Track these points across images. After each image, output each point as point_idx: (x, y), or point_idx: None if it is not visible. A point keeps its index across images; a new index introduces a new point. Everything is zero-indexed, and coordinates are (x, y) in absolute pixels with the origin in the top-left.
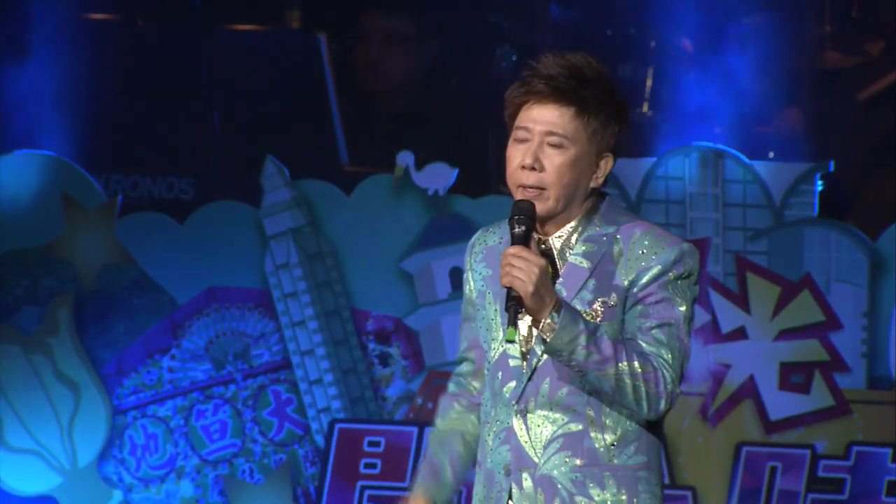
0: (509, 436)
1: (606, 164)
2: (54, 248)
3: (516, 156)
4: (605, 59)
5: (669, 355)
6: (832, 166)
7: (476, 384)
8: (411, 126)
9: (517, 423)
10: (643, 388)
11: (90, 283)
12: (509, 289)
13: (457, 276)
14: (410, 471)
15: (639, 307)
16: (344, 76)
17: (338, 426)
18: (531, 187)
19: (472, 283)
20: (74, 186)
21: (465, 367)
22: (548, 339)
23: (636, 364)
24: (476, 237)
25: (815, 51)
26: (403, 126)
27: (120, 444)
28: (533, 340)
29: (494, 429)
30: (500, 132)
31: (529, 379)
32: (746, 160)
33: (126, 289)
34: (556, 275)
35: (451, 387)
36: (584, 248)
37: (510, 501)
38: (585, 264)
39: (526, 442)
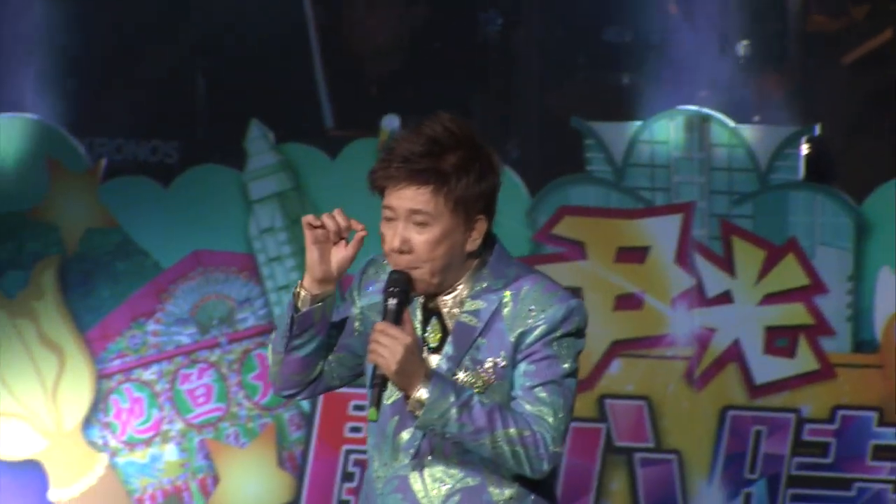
0: (404, 487)
1: (481, 226)
2: (38, 212)
3: (386, 237)
4: (591, 22)
5: (551, 416)
6: (817, 130)
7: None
8: (396, 90)
9: (413, 478)
10: (522, 453)
11: (74, 247)
12: (375, 366)
13: None
14: None
15: (523, 365)
16: (329, 39)
17: None
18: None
19: (359, 304)
20: (59, 150)
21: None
22: (418, 415)
23: (512, 430)
24: (367, 266)
25: (799, 14)
26: (389, 89)
27: (105, 408)
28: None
29: (383, 473)
30: (484, 96)
31: (425, 434)
32: (732, 124)
33: (110, 253)
34: (445, 334)
35: None
36: (473, 305)
37: None
38: (475, 322)
39: (424, 497)
